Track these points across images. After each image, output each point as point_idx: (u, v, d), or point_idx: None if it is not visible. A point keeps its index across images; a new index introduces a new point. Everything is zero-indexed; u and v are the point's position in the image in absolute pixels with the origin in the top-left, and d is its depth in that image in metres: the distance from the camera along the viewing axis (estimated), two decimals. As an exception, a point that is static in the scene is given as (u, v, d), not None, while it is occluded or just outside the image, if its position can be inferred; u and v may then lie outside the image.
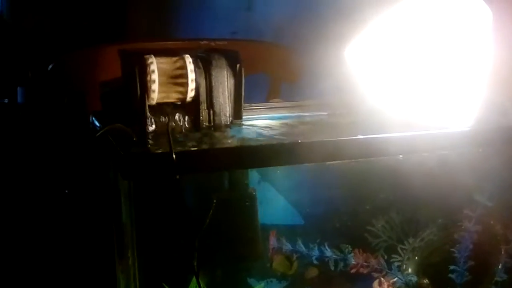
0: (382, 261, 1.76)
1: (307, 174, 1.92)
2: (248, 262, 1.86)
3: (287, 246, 1.77)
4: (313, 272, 2.06)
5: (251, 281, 1.91)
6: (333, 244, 1.79)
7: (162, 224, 1.60)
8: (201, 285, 1.73)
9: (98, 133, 1.39)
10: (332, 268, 1.76)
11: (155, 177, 1.32)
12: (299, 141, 1.42)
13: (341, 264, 1.76)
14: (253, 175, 1.92)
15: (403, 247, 1.85)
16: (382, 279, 1.95)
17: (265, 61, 2.65)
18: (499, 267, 1.80)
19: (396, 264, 1.79)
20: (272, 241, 1.78)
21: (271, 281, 1.97)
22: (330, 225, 1.87)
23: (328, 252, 1.76)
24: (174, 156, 1.24)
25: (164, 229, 1.61)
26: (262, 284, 1.85)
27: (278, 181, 1.98)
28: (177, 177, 1.26)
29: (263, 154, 1.38)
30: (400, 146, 1.50)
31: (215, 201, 1.50)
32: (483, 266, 1.84)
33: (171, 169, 1.27)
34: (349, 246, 1.76)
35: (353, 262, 1.76)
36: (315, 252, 1.76)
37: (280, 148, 1.40)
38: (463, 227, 1.77)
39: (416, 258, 1.90)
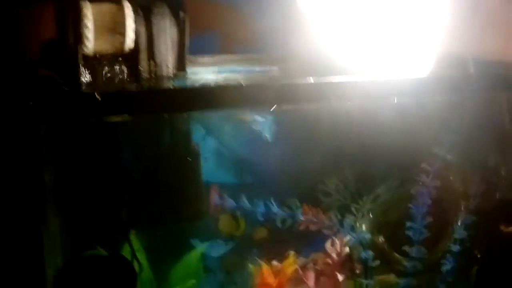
0: (334, 217, 1.63)
1: (255, 129, 1.77)
2: (190, 222, 1.72)
3: (230, 203, 1.63)
4: (262, 233, 1.93)
5: (194, 242, 1.76)
6: (280, 199, 1.64)
7: (89, 175, 1.44)
8: (138, 246, 1.58)
9: (21, 77, 1.23)
10: (280, 225, 1.62)
11: (78, 118, 1.21)
12: (242, 83, 1.27)
13: (289, 221, 1.62)
14: (198, 129, 1.77)
15: (355, 205, 1.74)
16: (335, 238, 1.82)
17: (215, 21, 2.47)
18: (459, 224, 1.69)
19: (348, 221, 1.65)
20: (214, 198, 1.63)
21: (217, 243, 1.83)
22: (278, 182, 1.73)
23: (275, 208, 1.62)
24: (98, 96, 1.08)
25: (91, 182, 1.45)
26: (205, 244, 1.70)
27: (225, 136, 1.84)
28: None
29: (197, 97, 1.23)
30: (354, 91, 1.37)
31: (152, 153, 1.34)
32: (442, 223, 1.75)
33: (95, 110, 1.10)
34: (297, 201, 1.61)
35: (302, 219, 1.62)
36: (261, 209, 1.62)
37: (217, 90, 1.25)
38: (420, 182, 1.64)
39: (371, 215, 1.78)
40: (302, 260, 1.91)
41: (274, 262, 1.85)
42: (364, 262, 1.73)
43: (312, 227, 1.71)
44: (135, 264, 1.39)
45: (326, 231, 1.73)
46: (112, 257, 1.34)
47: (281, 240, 1.94)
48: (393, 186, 1.84)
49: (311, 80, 1.38)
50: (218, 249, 1.91)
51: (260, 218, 1.70)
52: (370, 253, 1.73)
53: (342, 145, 1.78)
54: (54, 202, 1.41)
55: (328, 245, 1.92)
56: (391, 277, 1.86)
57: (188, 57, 1.48)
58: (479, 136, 1.74)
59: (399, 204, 1.82)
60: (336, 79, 1.42)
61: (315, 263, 1.92)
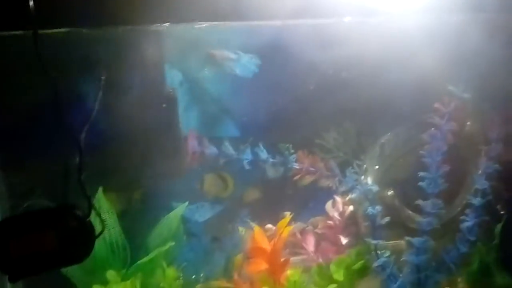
0: (334, 165, 1.38)
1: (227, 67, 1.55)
2: (167, 177, 1.48)
3: (211, 150, 1.38)
4: (253, 194, 1.70)
5: (175, 204, 1.53)
6: (270, 146, 1.40)
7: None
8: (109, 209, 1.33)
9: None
10: (270, 174, 1.36)
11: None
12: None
13: (281, 169, 1.37)
14: (173, 74, 1.54)
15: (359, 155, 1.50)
16: (336, 197, 1.59)
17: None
18: (479, 173, 1.43)
19: (351, 171, 1.40)
20: (192, 144, 1.38)
21: (203, 206, 1.61)
22: (266, 129, 1.49)
23: (264, 154, 1.37)
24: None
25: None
26: (185, 203, 1.47)
27: (205, 82, 1.60)
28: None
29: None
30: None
31: (103, 78, 1.10)
32: (460, 172, 1.49)
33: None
34: (290, 145, 1.37)
35: (296, 167, 1.37)
36: (247, 155, 1.37)
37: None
38: (434, 125, 1.39)
39: (377, 167, 1.53)
40: (299, 225, 1.69)
41: (268, 226, 1.62)
42: (371, 219, 1.48)
43: (309, 178, 1.46)
44: (97, 222, 1.14)
45: (325, 183, 1.47)
46: (60, 209, 1.09)
47: (275, 202, 1.71)
48: (402, 131, 1.60)
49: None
50: (203, 213, 1.68)
51: (247, 167, 1.45)
52: (379, 208, 1.48)
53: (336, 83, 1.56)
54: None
55: (328, 206, 1.69)
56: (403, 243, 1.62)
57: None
58: (500, 71, 1.52)
59: (410, 152, 1.58)
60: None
61: (314, 227, 1.69)
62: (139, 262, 1.47)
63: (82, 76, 1.33)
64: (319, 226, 1.70)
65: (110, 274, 1.43)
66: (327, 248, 1.64)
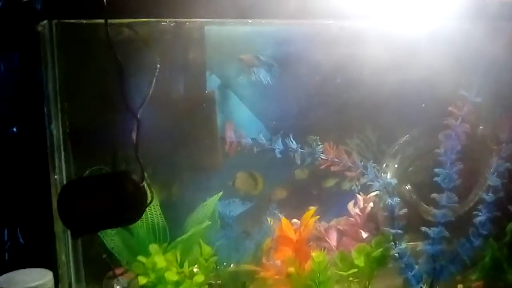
0: (357, 158, 1.52)
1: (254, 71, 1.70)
2: (205, 171, 1.62)
3: (247, 140, 1.54)
4: (281, 194, 1.84)
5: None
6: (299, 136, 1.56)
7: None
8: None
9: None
10: (298, 162, 1.51)
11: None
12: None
13: (308, 159, 1.52)
14: (212, 79, 1.70)
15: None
16: (358, 196, 1.73)
17: None
18: (491, 170, 1.56)
19: (373, 165, 1.55)
20: (229, 134, 1.54)
21: (234, 202, 1.74)
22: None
23: (293, 145, 1.52)
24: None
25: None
26: (220, 193, 1.61)
27: (241, 88, 1.76)
28: None
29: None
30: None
31: (158, 66, 1.25)
32: (473, 170, 1.61)
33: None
34: (317, 137, 1.51)
35: (322, 157, 1.52)
36: (279, 145, 1.52)
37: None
38: (448, 126, 1.53)
39: (396, 165, 1.68)
40: (323, 224, 1.82)
41: (294, 220, 1.75)
42: (390, 210, 1.61)
43: (334, 168, 1.61)
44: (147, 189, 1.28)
45: (348, 174, 1.61)
46: (119, 174, 1.25)
47: (301, 202, 1.85)
48: (420, 133, 1.75)
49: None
50: (234, 208, 1.82)
51: (278, 155, 1.59)
52: (397, 199, 1.61)
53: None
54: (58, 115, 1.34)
55: (350, 205, 1.83)
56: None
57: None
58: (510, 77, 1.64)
59: (427, 154, 1.72)
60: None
61: (337, 223, 1.82)
62: (178, 239, 1.60)
63: (141, 63, 1.47)
64: (342, 223, 1.83)
65: (153, 247, 1.57)
66: (349, 243, 1.77)
